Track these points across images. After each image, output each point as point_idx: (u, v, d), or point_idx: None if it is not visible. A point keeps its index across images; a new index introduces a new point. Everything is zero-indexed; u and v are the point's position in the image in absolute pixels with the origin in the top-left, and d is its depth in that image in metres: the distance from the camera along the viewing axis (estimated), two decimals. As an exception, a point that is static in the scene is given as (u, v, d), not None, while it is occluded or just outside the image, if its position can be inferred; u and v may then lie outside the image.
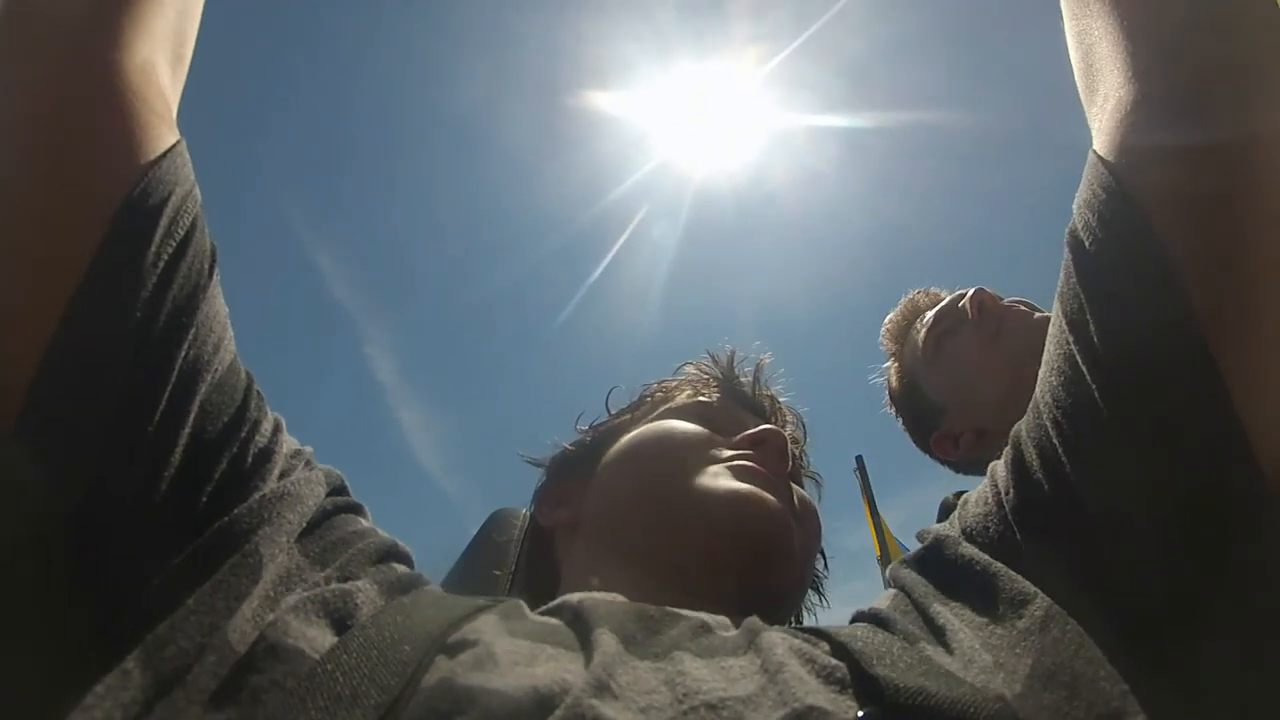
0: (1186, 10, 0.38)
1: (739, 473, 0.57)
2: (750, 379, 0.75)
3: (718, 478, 0.56)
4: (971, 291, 0.99)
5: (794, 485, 0.63)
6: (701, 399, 0.70)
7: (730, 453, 0.60)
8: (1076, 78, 0.46)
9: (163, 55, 0.41)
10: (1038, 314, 0.94)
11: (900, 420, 1.14)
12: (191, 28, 0.45)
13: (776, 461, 0.60)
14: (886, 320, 1.15)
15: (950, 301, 1.04)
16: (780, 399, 0.77)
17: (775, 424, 0.72)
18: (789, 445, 0.62)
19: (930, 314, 1.05)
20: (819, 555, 0.69)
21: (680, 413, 0.68)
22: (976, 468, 1.04)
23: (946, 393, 1.03)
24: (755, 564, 0.53)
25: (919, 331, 1.06)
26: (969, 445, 1.00)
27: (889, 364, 1.15)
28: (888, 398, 1.16)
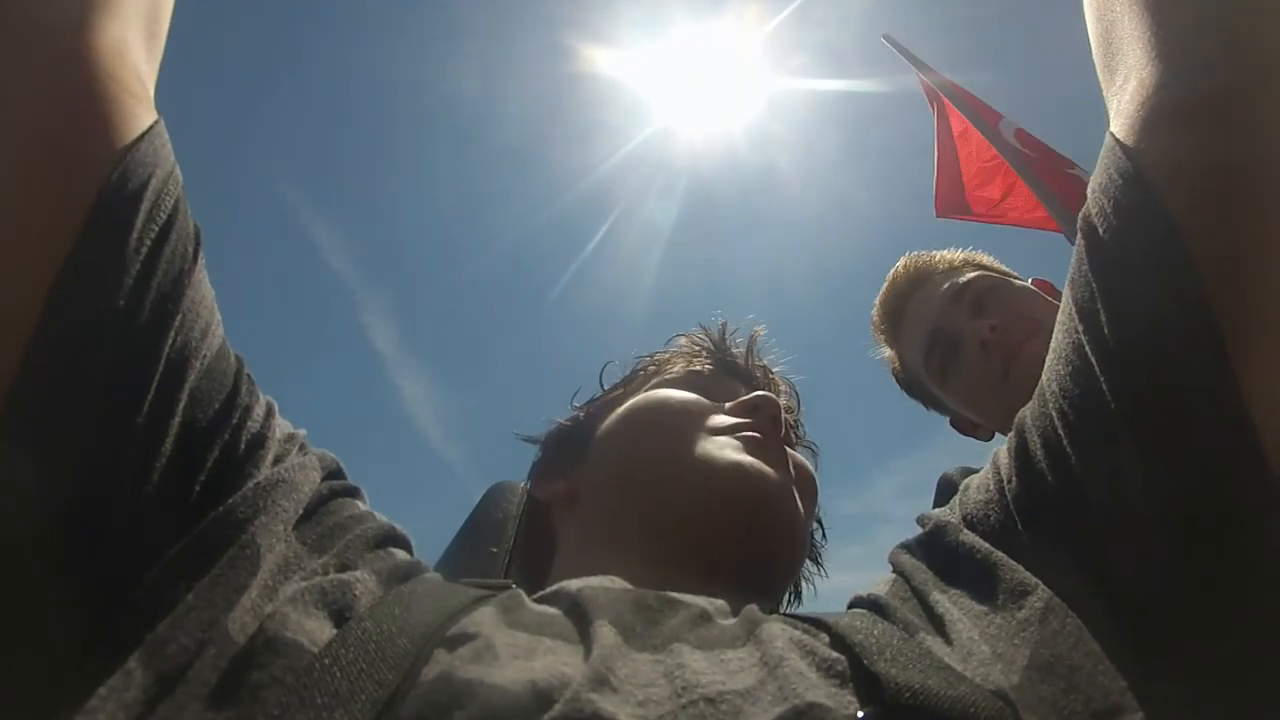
0: None
1: (737, 443, 0.56)
2: (743, 350, 0.75)
3: (716, 448, 0.56)
4: (970, 332, 0.94)
5: (790, 451, 0.63)
6: (694, 370, 0.71)
7: (724, 420, 0.60)
8: (1095, 54, 0.44)
9: (136, 33, 0.40)
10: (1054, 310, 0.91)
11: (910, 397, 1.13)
12: (166, 4, 0.44)
13: (770, 427, 0.60)
14: (874, 311, 1.12)
15: (944, 306, 0.99)
16: (773, 369, 0.77)
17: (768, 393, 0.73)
18: (782, 412, 0.62)
19: (929, 323, 1.00)
20: (817, 524, 0.70)
21: (673, 384, 0.68)
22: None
23: (957, 405, 1.02)
24: (754, 533, 0.53)
25: (914, 334, 1.03)
26: (987, 435, 1.01)
27: (887, 352, 1.13)
28: (895, 380, 1.14)
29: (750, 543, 0.53)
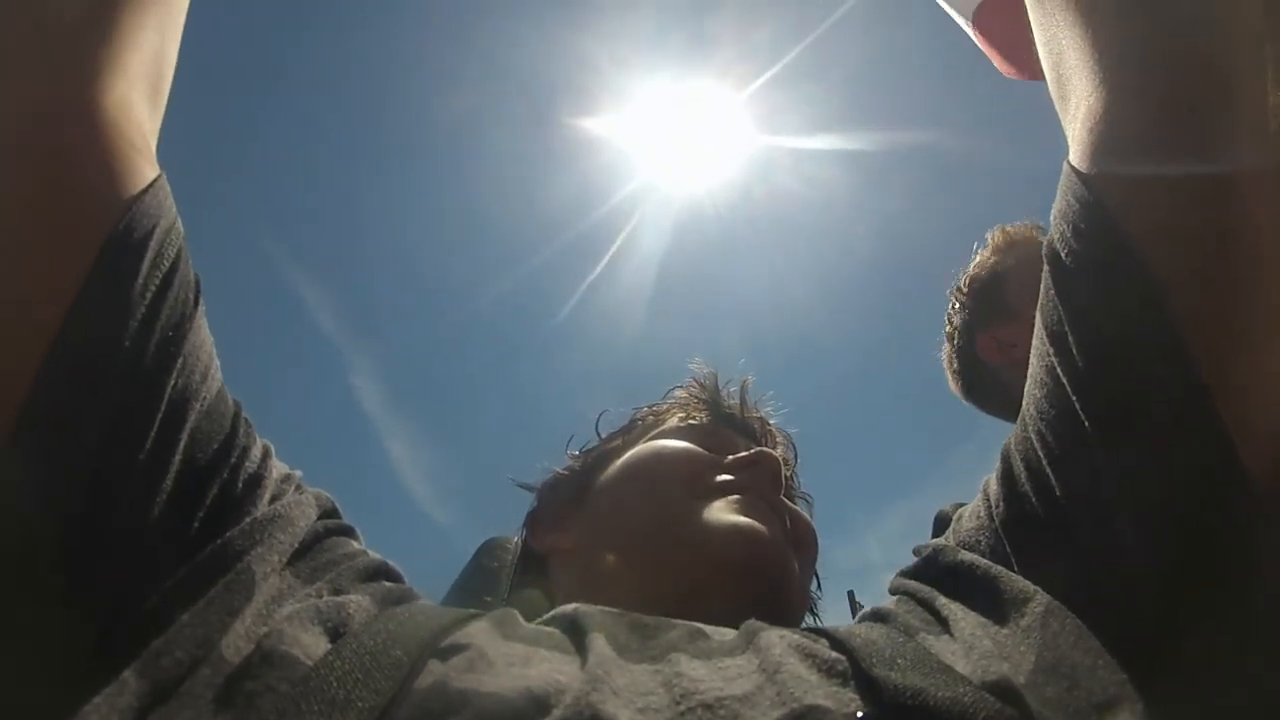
0: (1151, 20, 0.38)
1: (737, 506, 0.56)
2: (738, 401, 0.75)
3: (716, 511, 0.56)
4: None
5: (790, 504, 0.63)
6: (692, 422, 0.71)
7: (725, 478, 0.60)
8: (1050, 87, 0.45)
9: (140, 92, 0.41)
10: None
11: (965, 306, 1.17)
12: (169, 64, 0.46)
13: (770, 485, 0.60)
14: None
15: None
16: (769, 420, 0.77)
17: (766, 445, 0.72)
18: (782, 469, 0.62)
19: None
20: (813, 576, 0.69)
21: (671, 435, 0.67)
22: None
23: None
24: (753, 596, 0.53)
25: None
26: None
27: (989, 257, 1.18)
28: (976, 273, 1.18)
29: (747, 604, 0.52)
